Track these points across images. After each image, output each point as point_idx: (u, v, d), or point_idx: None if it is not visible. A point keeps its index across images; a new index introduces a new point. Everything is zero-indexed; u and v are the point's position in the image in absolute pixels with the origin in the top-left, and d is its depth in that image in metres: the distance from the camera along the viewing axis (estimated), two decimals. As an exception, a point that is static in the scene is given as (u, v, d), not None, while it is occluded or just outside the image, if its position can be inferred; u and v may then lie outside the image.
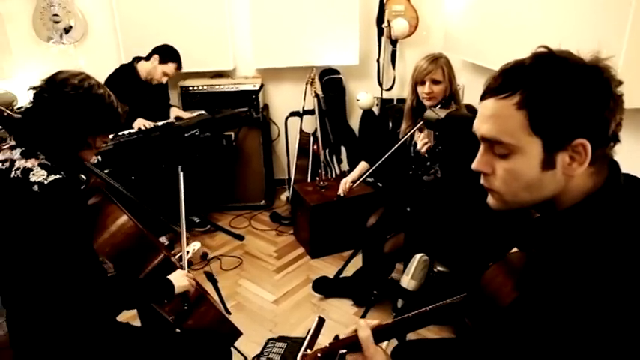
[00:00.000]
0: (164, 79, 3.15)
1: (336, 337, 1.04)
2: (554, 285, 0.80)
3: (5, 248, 1.32)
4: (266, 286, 2.81)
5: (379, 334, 0.98)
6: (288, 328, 2.42)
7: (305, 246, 3.19)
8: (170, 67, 3.11)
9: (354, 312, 2.52)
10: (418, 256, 1.18)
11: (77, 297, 1.24)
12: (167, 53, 3.10)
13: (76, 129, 1.31)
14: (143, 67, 3.13)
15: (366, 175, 2.38)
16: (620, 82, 0.78)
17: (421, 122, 2.12)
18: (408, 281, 1.14)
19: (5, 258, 1.32)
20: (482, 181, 0.88)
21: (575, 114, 0.76)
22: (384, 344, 1.07)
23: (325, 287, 2.65)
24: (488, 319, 0.95)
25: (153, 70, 3.11)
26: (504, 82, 0.80)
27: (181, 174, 1.77)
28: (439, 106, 2.15)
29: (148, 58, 3.13)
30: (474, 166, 0.87)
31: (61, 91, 1.29)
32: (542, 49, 0.80)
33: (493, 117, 0.81)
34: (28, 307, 1.32)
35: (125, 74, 3.08)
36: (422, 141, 2.07)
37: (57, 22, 3.44)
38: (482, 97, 0.84)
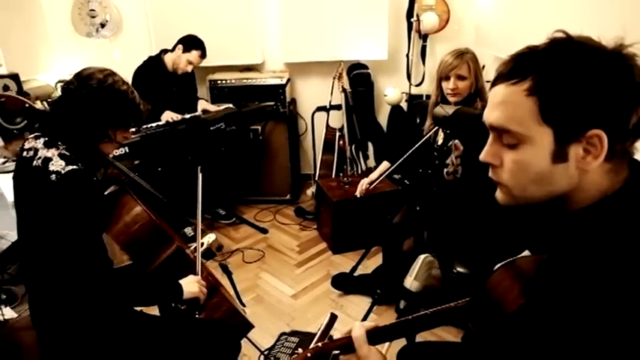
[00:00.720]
0: (189, 68, 3.20)
1: (330, 337, 1.02)
2: (563, 293, 0.76)
3: (27, 232, 1.38)
4: (286, 280, 2.83)
5: (375, 335, 0.95)
6: (304, 323, 2.43)
7: (327, 241, 3.18)
8: (194, 55, 3.15)
9: (372, 310, 2.50)
10: (422, 256, 1.15)
11: (82, 285, 1.29)
12: (190, 42, 3.15)
13: (96, 120, 1.36)
14: (169, 58, 3.20)
15: (384, 175, 2.33)
16: None
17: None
18: (410, 282, 1.11)
19: (27, 241, 1.39)
20: (490, 174, 0.83)
21: (591, 102, 0.69)
22: (385, 347, 1.05)
23: (344, 283, 2.64)
24: (491, 324, 0.91)
25: (177, 59, 3.17)
26: (515, 67, 0.75)
27: (200, 175, 1.80)
28: (462, 102, 2.09)
29: (173, 49, 3.19)
30: (482, 157, 0.82)
31: (85, 85, 1.34)
32: (558, 34, 0.74)
33: (502, 104, 0.76)
34: (47, 289, 1.38)
35: (152, 66, 3.16)
36: (441, 135, 2.02)
37: (93, 17, 3.56)
38: (493, 84, 0.79)
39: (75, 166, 1.30)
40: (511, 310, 0.89)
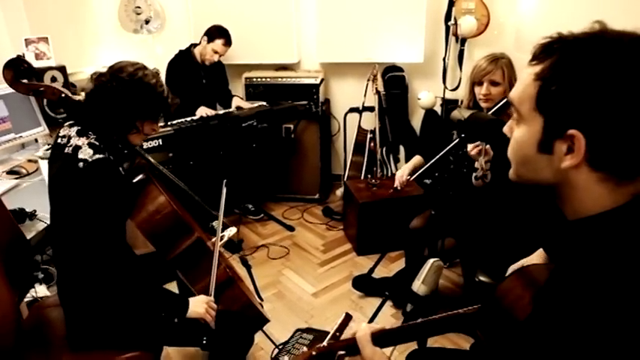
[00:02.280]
0: (215, 57, 3.28)
1: (336, 337, 1.03)
2: (569, 302, 0.74)
3: (57, 216, 1.46)
4: (308, 278, 2.85)
5: (381, 338, 0.95)
6: (323, 322, 2.44)
7: (352, 242, 3.18)
8: (218, 45, 3.23)
9: (391, 313, 2.48)
10: (431, 261, 1.14)
11: (100, 269, 1.36)
12: (214, 32, 3.24)
13: (124, 111, 1.42)
14: (197, 51, 3.32)
15: (421, 171, 2.28)
16: None
17: None
18: (418, 286, 1.10)
19: (57, 225, 1.47)
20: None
21: (582, 101, 0.67)
22: (389, 351, 1.05)
23: (365, 285, 2.64)
24: (501, 333, 0.89)
25: (203, 50, 3.27)
26: (540, 50, 0.74)
27: (224, 189, 1.85)
28: (494, 108, 2.03)
29: (200, 42, 3.30)
30: (504, 128, 0.85)
31: (116, 77, 1.41)
32: (595, 25, 0.72)
33: (519, 80, 0.78)
34: (73, 270, 1.45)
35: (183, 59, 3.29)
36: (472, 144, 1.97)
37: (138, 14, 3.70)
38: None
39: (102, 155, 1.36)
40: (520, 317, 0.88)
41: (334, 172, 4.12)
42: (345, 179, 3.51)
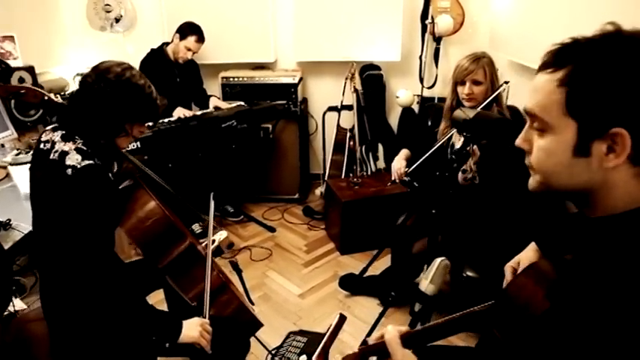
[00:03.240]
0: (189, 55, 3.22)
1: (365, 342, 1.02)
2: (590, 296, 0.75)
3: (41, 225, 1.39)
4: (293, 279, 2.83)
5: (408, 340, 0.95)
6: (311, 323, 2.42)
7: (335, 242, 3.18)
8: (191, 42, 3.17)
9: (379, 311, 2.48)
10: (439, 260, 1.15)
11: (88, 280, 1.29)
12: (185, 29, 3.18)
13: (113, 114, 1.36)
14: (170, 49, 3.25)
15: (419, 163, 2.25)
16: None
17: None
18: (426, 285, 1.10)
19: (41, 234, 1.40)
20: (525, 160, 0.84)
21: (619, 100, 0.68)
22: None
23: (352, 284, 2.64)
24: (517, 330, 0.90)
25: (176, 48, 3.21)
26: (555, 56, 0.75)
27: (212, 202, 1.81)
28: (480, 107, 2.07)
29: (172, 40, 3.24)
30: (516, 142, 0.84)
31: (103, 78, 1.35)
32: (608, 26, 0.73)
33: (536, 90, 0.77)
34: (59, 281, 1.38)
35: (155, 57, 3.21)
36: (460, 142, 2.00)
37: (108, 12, 3.57)
38: (537, 72, 0.80)
39: (91, 161, 1.30)
40: (537, 313, 0.89)
41: (312, 171, 4.11)
42: (326, 178, 3.50)
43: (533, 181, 0.83)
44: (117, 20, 3.61)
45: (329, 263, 2.99)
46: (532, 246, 1.23)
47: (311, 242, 3.25)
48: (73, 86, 3.30)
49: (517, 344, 0.94)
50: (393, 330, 0.95)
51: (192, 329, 1.40)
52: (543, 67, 0.77)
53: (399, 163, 2.37)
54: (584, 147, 0.72)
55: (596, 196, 0.77)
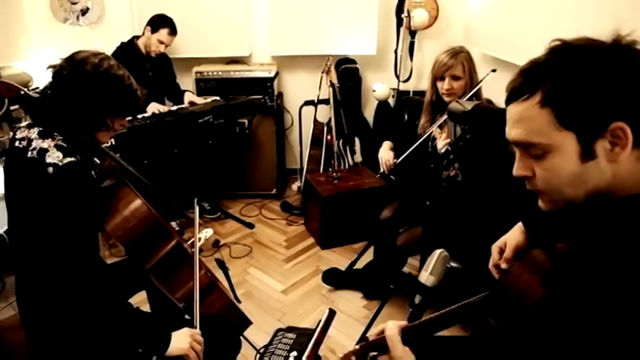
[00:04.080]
0: (162, 48, 3.14)
1: (365, 338, 1.02)
2: (590, 282, 0.77)
3: (18, 226, 1.32)
4: (275, 275, 2.80)
5: (408, 335, 0.95)
6: (296, 319, 2.41)
7: (315, 236, 3.17)
8: (163, 34, 3.09)
9: (363, 305, 2.51)
10: (438, 251, 1.15)
11: (71, 283, 1.23)
12: (157, 21, 3.09)
13: (94, 108, 1.30)
14: (141, 42, 3.15)
15: (407, 153, 2.25)
16: None
17: (442, 119, 2.07)
18: (426, 277, 1.11)
19: (18, 236, 1.32)
20: (527, 186, 0.86)
21: (603, 98, 0.72)
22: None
23: (335, 279, 2.63)
24: (514, 319, 0.91)
25: (148, 41, 3.11)
26: (523, 83, 0.79)
27: (197, 207, 1.79)
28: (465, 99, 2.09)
29: (143, 33, 3.14)
30: (515, 172, 0.85)
31: (80, 70, 1.28)
32: (555, 42, 0.77)
33: (519, 120, 0.80)
34: (38, 287, 1.31)
35: (126, 51, 3.09)
36: (443, 141, 2.01)
37: (74, 4, 3.42)
38: (507, 103, 0.83)
39: (73, 159, 1.25)
40: (533, 302, 0.90)
41: (289, 166, 4.07)
42: (305, 173, 3.48)
43: (546, 203, 0.84)
44: (84, 12, 3.47)
45: (310, 258, 2.98)
46: (519, 227, 1.24)
47: (291, 238, 3.23)
48: (39, 81, 3.15)
49: (514, 333, 0.96)
50: (393, 326, 0.95)
51: (182, 341, 1.32)
52: (514, 97, 0.80)
53: (387, 154, 2.37)
54: (589, 150, 0.75)
55: (610, 193, 0.79)
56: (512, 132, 0.82)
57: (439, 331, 0.97)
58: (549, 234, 1.13)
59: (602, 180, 0.77)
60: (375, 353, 0.94)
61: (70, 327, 1.31)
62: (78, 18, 3.47)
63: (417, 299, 1.16)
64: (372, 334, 1.00)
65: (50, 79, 1.33)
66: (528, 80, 0.78)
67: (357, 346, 0.98)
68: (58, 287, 1.25)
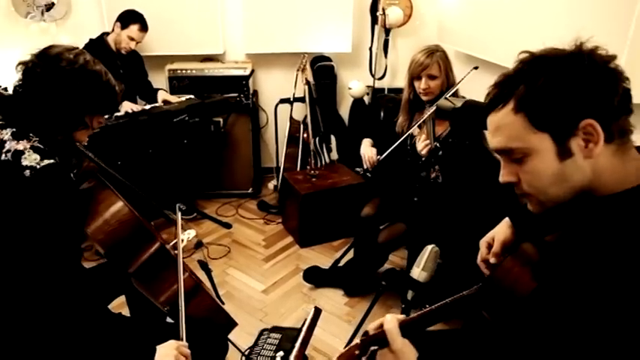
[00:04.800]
0: (132, 45, 3.06)
1: (366, 333, 1.02)
2: (579, 273, 0.80)
3: None
4: (255, 275, 2.77)
5: (407, 328, 0.96)
6: (278, 318, 2.39)
7: (294, 235, 3.15)
8: (133, 31, 3.01)
9: (345, 302, 2.51)
10: (429, 247, 1.16)
11: (49, 294, 1.16)
12: (127, 17, 3.01)
13: (72, 106, 1.25)
14: (111, 39, 3.07)
15: (391, 149, 2.24)
16: (612, 57, 0.80)
17: (422, 119, 2.09)
18: (418, 273, 1.12)
19: None
20: (516, 191, 0.90)
21: (571, 98, 0.77)
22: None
23: (316, 277, 2.63)
24: (507, 311, 0.93)
25: (118, 38, 3.04)
26: (497, 94, 0.85)
27: (179, 213, 1.75)
28: (442, 98, 2.12)
29: (113, 29, 3.06)
30: (501, 179, 0.90)
31: (55, 66, 1.23)
32: (523, 55, 0.84)
33: (498, 129, 0.86)
34: (8, 299, 1.23)
35: (95, 48, 2.98)
36: (422, 142, 2.02)
37: (38, -2, 3.28)
38: (486, 115, 0.89)
39: (52, 160, 1.19)
40: (525, 294, 0.93)
41: (264, 165, 4.04)
42: (282, 171, 3.46)
43: (534, 205, 0.89)
44: (48, 8, 3.33)
45: (289, 257, 2.97)
46: (506, 221, 1.26)
47: (269, 237, 3.20)
48: (1, 79, 3.01)
49: (507, 324, 0.98)
50: (392, 319, 0.96)
51: (167, 354, 1.25)
52: (491, 107, 0.86)
53: (369, 151, 2.37)
54: (564, 148, 0.80)
55: (592, 189, 0.83)
56: (493, 141, 0.88)
57: (437, 323, 0.98)
58: (537, 228, 1.16)
59: (584, 177, 0.81)
60: (374, 348, 0.95)
61: (47, 344, 1.24)
62: (42, 13, 3.33)
63: (410, 295, 1.17)
64: (371, 328, 1.00)
65: (21, 77, 1.26)
66: (502, 90, 0.84)
67: (358, 341, 0.98)
68: (35, 300, 1.17)
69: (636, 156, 0.83)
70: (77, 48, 1.30)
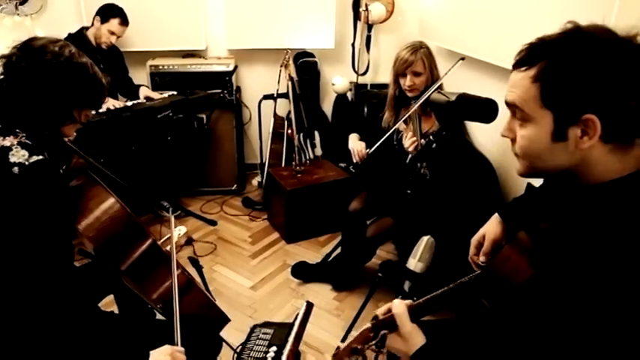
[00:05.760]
0: (113, 39, 3.01)
1: (375, 317, 1.03)
2: (573, 259, 0.82)
3: None
4: (242, 272, 2.76)
5: (414, 312, 0.98)
6: (268, 314, 2.39)
7: (280, 231, 3.15)
8: (113, 24, 2.97)
9: (333, 296, 2.53)
10: (425, 238, 1.18)
11: (39, 294, 1.14)
12: (106, 11, 2.97)
13: (60, 100, 1.22)
14: (91, 33, 3.01)
15: (380, 142, 2.22)
16: None
17: (407, 114, 2.11)
18: (415, 264, 1.14)
19: None
20: (511, 149, 0.92)
21: (587, 90, 0.77)
22: None
23: (304, 272, 2.64)
24: (506, 298, 0.96)
25: (98, 32, 2.98)
26: (526, 55, 0.84)
27: (171, 209, 1.74)
28: (427, 93, 2.14)
29: (92, 24, 3.01)
30: (501, 133, 0.92)
31: (40, 60, 1.19)
32: (568, 24, 0.82)
33: (514, 86, 0.86)
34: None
35: (75, 42, 2.87)
36: (409, 140, 2.04)
37: (11, -9, 3.19)
38: (512, 69, 0.88)
39: (40, 157, 1.15)
40: (522, 281, 0.95)
41: (248, 161, 4.02)
42: (267, 167, 3.44)
43: (521, 167, 0.91)
44: (22, 1, 3.24)
45: (276, 253, 2.96)
46: (495, 218, 1.29)
47: (255, 233, 3.19)
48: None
49: (506, 311, 1.00)
50: (400, 304, 0.98)
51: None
52: (517, 65, 0.85)
53: (358, 145, 2.38)
54: (561, 133, 0.81)
55: (579, 173, 0.85)
56: (507, 94, 0.88)
57: (440, 310, 1.00)
58: (528, 218, 1.19)
59: (570, 162, 0.83)
60: (385, 331, 0.97)
61: (38, 343, 1.21)
62: (16, 7, 3.24)
63: (407, 286, 1.18)
64: (380, 313, 1.02)
65: (2, 71, 1.21)
66: (531, 53, 0.83)
67: (369, 324, 1.00)
68: (26, 299, 1.14)
69: (638, 155, 0.82)
70: (61, 40, 1.27)
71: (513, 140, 0.90)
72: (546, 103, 0.81)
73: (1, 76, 1.23)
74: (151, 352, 1.23)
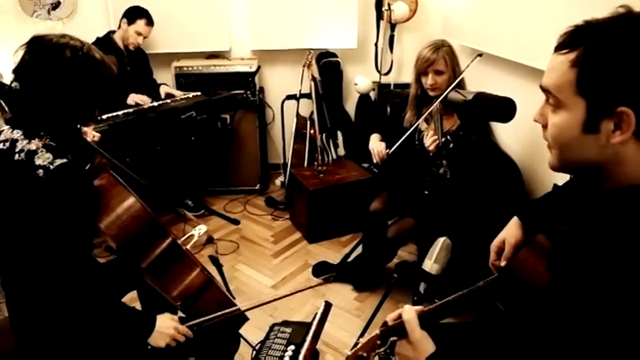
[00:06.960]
0: (140, 40, 3.09)
1: (384, 323, 1.02)
2: (594, 264, 0.79)
3: (5, 231, 1.25)
4: (264, 270, 2.78)
5: (424, 319, 0.96)
6: (288, 313, 2.40)
7: (302, 231, 3.16)
8: (140, 25, 3.04)
9: (354, 297, 2.52)
10: (441, 239, 1.17)
11: (65, 289, 1.18)
12: (133, 12, 3.04)
13: (83, 98, 1.22)
14: (118, 36, 3.10)
15: (399, 142, 2.22)
16: None
17: (427, 112, 2.08)
18: (431, 265, 1.12)
19: (5, 241, 1.26)
20: (542, 135, 0.88)
21: (626, 81, 0.72)
22: None
23: (325, 272, 2.64)
24: (522, 302, 0.93)
25: (125, 34, 3.06)
26: (569, 38, 0.79)
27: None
28: (446, 91, 2.11)
29: (119, 26, 3.09)
30: (533, 117, 0.88)
31: (59, 57, 1.17)
32: (620, 9, 0.77)
33: (552, 70, 0.81)
34: (28, 294, 1.25)
35: (103, 45, 2.98)
36: (430, 138, 2.02)
37: (44, -3, 3.30)
38: (554, 52, 0.84)
39: (64, 160, 1.17)
40: (540, 285, 0.92)
41: (271, 161, 4.04)
42: (289, 167, 3.46)
43: (552, 158, 0.86)
44: (54, 7, 3.35)
45: (298, 253, 2.97)
46: (515, 222, 1.25)
47: (277, 233, 3.21)
48: (8, 78, 3.02)
49: (522, 316, 0.98)
50: (410, 310, 0.96)
51: (166, 329, 1.34)
52: (559, 47, 0.80)
53: (379, 145, 2.36)
54: (593, 124, 0.77)
55: (608, 170, 0.81)
56: (544, 78, 0.84)
57: (454, 314, 0.98)
58: (548, 221, 1.16)
59: (600, 156, 0.79)
60: (394, 338, 0.95)
61: (64, 333, 1.26)
62: (49, 12, 3.35)
63: (422, 287, 1.17)
64: (389, 319, 1.00)
65: (21, 72, 1.20)
66: (575, 36, 0.78)
67: (378, 331, 0.98)
68: (52, 292, 1.19)
69: None
70: (67, 35, 1.24)
71: (545, 126, 0.86)
72: (581, 90, 0.76)
73: (20, 80, 1.21)
74: (159, 316, 1.34)
